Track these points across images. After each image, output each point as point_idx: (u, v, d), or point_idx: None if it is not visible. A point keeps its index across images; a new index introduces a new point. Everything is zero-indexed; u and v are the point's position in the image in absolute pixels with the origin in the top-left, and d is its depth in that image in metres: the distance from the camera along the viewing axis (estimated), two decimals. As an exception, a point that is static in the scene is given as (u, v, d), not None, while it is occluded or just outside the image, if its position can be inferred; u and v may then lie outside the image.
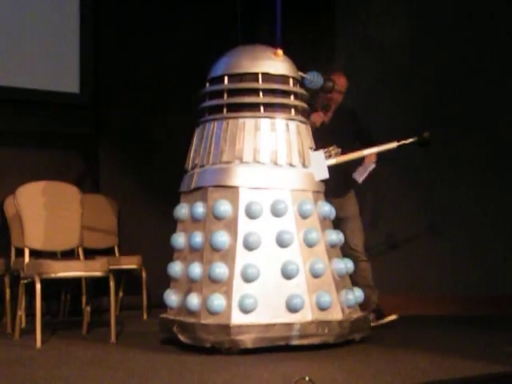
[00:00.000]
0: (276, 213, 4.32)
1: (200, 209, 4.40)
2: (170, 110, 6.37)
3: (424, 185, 6.37)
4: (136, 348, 4.39)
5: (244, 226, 4.27)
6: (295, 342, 4.17)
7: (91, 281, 5.38)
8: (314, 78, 4.67)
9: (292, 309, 4.19)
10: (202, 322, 4.18)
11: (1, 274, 5.32)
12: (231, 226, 4.27)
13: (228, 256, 4.23)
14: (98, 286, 5.43)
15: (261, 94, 4.47)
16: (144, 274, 5.98)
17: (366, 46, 6.42)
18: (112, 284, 4.74)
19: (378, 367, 3.79)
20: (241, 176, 4.35)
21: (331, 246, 4.51)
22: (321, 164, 4.59)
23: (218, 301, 4.14)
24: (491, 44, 6.25)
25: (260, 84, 4.47)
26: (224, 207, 4.29)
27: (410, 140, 4.83)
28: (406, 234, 6.35)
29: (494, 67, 6.17)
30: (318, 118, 5.29)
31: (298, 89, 4.61)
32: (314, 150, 4.65)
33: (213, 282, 4.21)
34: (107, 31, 6.35)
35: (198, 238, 4.35)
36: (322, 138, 4.86)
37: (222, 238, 4.25)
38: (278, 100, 4.51)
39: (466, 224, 6.30)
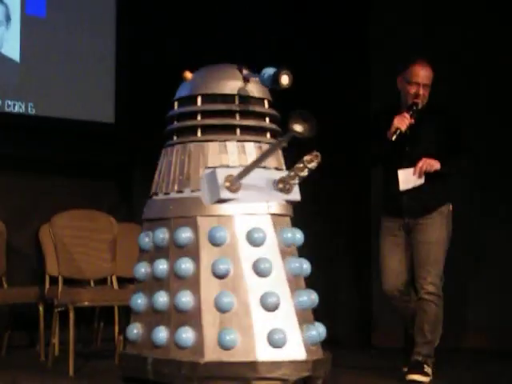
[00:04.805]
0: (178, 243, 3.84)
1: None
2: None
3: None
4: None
5: None
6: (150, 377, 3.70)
7: (124, 309, 5.38)
8: (263, 75, 3.69)
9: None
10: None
11: (35, 301, 5.35)
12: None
13: None
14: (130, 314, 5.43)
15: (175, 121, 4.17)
16: (176, 303, 5.96)
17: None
18: (144, 313, 4.73)
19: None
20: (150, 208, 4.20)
21: (216, 277, 3.70)
22: (214, 184, 3.76)
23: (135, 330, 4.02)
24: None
25: (175, 110, 4.20)
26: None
27: None
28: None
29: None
30: (403, 120, 4.34)
31: (207, 106, 4.02)
32: (209, 168, 3.83)
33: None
34: (143, 61, 6.40)
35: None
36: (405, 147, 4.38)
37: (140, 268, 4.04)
38: (180, 124, 4.11)
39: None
